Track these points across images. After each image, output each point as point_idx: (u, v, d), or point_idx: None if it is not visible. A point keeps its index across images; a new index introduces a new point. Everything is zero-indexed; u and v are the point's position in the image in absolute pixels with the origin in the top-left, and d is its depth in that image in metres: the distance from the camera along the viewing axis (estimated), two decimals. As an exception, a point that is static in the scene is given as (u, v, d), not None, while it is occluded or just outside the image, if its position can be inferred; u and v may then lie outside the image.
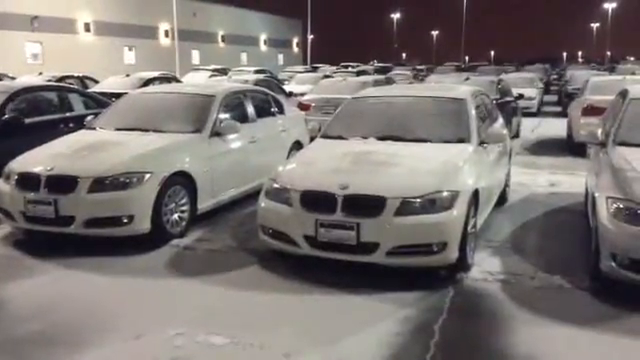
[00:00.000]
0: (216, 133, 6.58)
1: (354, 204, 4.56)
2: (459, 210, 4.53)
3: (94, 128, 6.82)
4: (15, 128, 7.42)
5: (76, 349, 3.65)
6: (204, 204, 6.28)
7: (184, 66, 35.97)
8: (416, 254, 4.52)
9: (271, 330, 3.91)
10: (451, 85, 8.12)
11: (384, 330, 3.87)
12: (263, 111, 7.89)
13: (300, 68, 35.42)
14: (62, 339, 3.79)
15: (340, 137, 5.90)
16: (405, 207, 4.47)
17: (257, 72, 25.42)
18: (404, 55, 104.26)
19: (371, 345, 3.67)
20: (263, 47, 56.40)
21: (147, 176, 5.52)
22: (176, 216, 5.88)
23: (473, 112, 5.86)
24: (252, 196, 7.11)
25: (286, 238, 4.87)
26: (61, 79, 14.89)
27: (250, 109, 7.54)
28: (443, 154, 5.22)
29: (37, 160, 5.73)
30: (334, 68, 35.42)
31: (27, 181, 5.50)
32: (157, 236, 5.64)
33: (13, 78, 16.55)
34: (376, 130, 5.83)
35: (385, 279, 4.68)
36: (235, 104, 7.33)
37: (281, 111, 8.37)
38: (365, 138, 5.72)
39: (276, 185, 5.04)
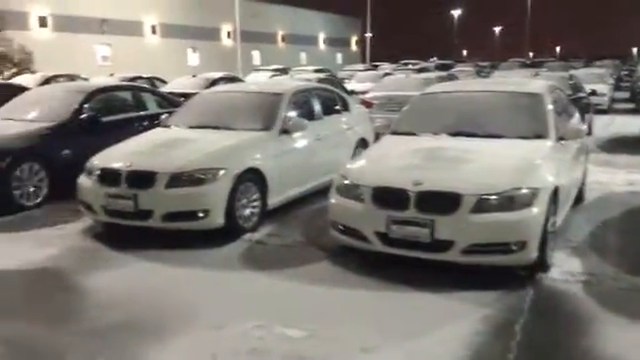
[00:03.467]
0: (285, 130, 6.65)
1: (428, 201, 4.50)
2: (539, 208, 4.40)
3: (169, 126, 7.04)
4: (93, 126, 7.74)
5: (161, 337, 3.78)
6: (273, 200, 6.37)
7: (245, 66, 36.58)
8: (493, 253, 4.42)
9: (346, 325, 3.91)
10: (525, 80, 7.90)
11: (463, 329, 3.81)
12: (329, 108, 7.92)
13: (359, 66, 35.34)
14: (147, 328, 3.93)
15: (410, 133, 5.85)
16: (482, 204, 4.38)
17: (317, 71, 25.53)
18: (465, 52, 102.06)
19: (451, 343, 3.62)
20: (322, 46, 56.60)
21: (221, 172, 5.64)
22: (248, 211, 5.99)
23: (550, 107, 5.68)
24: (318, 193, 7.18)
25: (357, 234, 4.86)
26: (132, 80, 15.44)
27: (317, 106, 7.59)
28: (520, 150, 5.08)
29: (117, 156, 5.97)
30: (394, 66, 35.11)
31: (108, 176, 5.74)
32: (230, 230, 5.76)
33: (86, 79, 17.25)
34: (448, 126, 5.74)
35: (459, 277, 4.60)
36: (302, 102, 7.39)
37: (346, 108, 8.38)
38: (436, 134, 5.64)
39: (346, 181, 5.04)
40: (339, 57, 57.84)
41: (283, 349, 3.61)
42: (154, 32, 37.86)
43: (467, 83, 8.89)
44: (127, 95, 8.99)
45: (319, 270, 4.99)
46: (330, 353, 3.55)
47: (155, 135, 6.72)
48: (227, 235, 5.73)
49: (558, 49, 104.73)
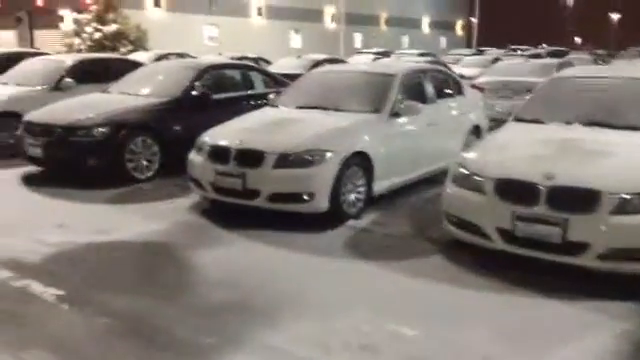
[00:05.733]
0: (395, 114, 6.34)
1: (561, 197, 4.06)
2: (695, 212, 3.82)
3: (277, 106, 6.93)
4: (203, 103, 7.81)
5: (271, 321, 3.66)
6: (379, 186, 6.10)
7: (346, 49, 36.38)
8: (637, 260, 3.90)
9: (463, 328, 3.60)
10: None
11: (598, 343, 3.38)
12: (442, 92, 7.49)
13: (465, 51, 34.02)
14: (255, 309, 3.83)
15: (537, 121, 5.34)
16: (625, 205, 3.88)
17: (421, 55, 24.84)
18: (577, 39, 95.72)
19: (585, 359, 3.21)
20: (425, 30, 55.17)
21: (329, 155, 5.45)
22: (353, 197, 5.76)
23: None
24: (425, 181, 6.83)
25: (475, 229, 4.50)
26: (240, 59, 15.66)
27: (429, 89, 7.19)
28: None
29: (227, 134, 5.93)
30: (501, 51, 33.50)
31: (218, 154, 5.71)
32: (334, 216, 5.57)
33: (195, 58, 17.71)
34: (582, 114, 5.18)
35: (590, 285, 4.11)
36: (415, 84, 7.01)
37: (460, 92, 7.91)
38: (569, 123, 5.11)
39: (465, 171, 4.67)
40: (443, 41, 56.07)
41: (397, 348, 3.36)
42: (260, 14, 38.51)
43: (605, 69, 8.10)
44: (236, 74, 9.01)
45: (430, 265, 4.67)
46: (449, 358, 3.25)
47: (264, 114, 6.64)
48: (330, 220, 5.54)
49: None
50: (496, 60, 18.29)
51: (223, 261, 4.74)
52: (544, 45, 52.08)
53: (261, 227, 5.46)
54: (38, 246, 4.94)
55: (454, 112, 7.51)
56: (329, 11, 43.41)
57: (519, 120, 5.50)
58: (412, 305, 3.96)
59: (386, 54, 26.66)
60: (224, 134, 5.97)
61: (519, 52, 32.81)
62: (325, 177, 5.43)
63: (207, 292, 4.13)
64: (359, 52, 29.29)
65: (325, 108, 6.45)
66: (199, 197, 6.28)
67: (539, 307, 3.89)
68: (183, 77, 8.08)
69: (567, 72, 6.38)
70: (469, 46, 48.76)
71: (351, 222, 5.65)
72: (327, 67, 9.16)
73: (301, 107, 6.66)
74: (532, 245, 4.17)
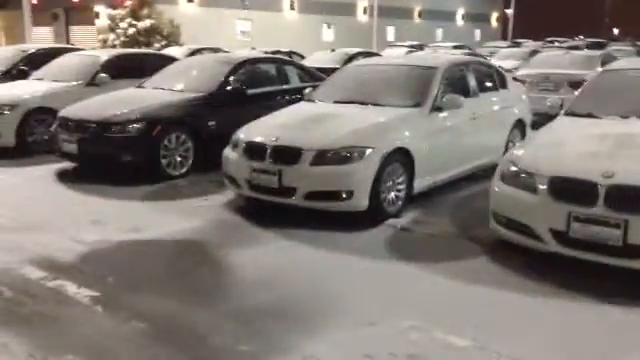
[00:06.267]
0: (437, 108, 6.09)
1: (621, 197, 3.79)
2: None
3: (313, 100, 6.74)
4: (238, 98, 7.67)
5: (311, 327, 3.48)
6: (420, 183, 5.86)
7: (379, 42, 35.93)
8: None
9: (518, 337, 3.36)
10: None
11: (668, 358, 3.11)
12: (485, 85, 7.20)
13: (501, 43, 33.24)
14: (294, 314, 3.66)
15: (590, 115, 5.04)
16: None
17: (455, 47, 24.35)
18: (615, 30, 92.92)
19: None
20: (460, 22, 54.25)
21: (368, 151, 5.24)
22: (393, 194, 5.55)
23: None
24: (465, 177, 6.58)
25: (526, 230, 4.24)
26: (273, 54, 15.51)
27: (472, 83, 6.90)
28: None
29: (263, 130, 5.76)
30: (538, 43, 32.64)
31: (254, 150, 5.55)
32: (374, 214, 5.36)
33: (227, 52, 17.63)
34: (638, 108, 4.85)
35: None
36: (457, 77, 6.74)
37: (504, 85, 7.59)
38: (625, 117, 4.79)
39: (515, 168, 4.41)
40: (477, 34, 55.04)
41: (446, 358, 3.14)
42: (292, 8, 38.35)
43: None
44: (271, 68, 8.84)
45: (475, 266, 4.43)
46: (502, 370, 3.03)
47: (300, 109, 6.45)
48: (369, 219, 5.33)
49: None
50: (534, 52, 17.76)
51: (259, 261, 4.58)
52: (581, 37, 50.59)
53: (298, 226, 5.28)
54: (72, 244, 4.87)
55: (497, 106, 7.21)
56: (362, 4, 43.00)
57: (571, 114, 5.20)
58: (457, 310, 3.73)
59: (420, 47, 26.23)
60: (260, 130, 5.81)
61: (556, 44, 31.95)
62: (364, 174, 5.22)
63: (244, 295, 3.97)
64: (392, 45, 28.88)
65: (363, 103, 6.24)
66: (234, 194, 6.15)
67: (598, 315, 3.62)
68: (218, 72, 7.95)
69: (617, 64, 6.05)
70: (504, 38, 47.83)
71: (391, 221, 5.44)
72: (364, 60, 8.92)
73: (338, 102, 6.45)
74: (588, 247, 3.91)
